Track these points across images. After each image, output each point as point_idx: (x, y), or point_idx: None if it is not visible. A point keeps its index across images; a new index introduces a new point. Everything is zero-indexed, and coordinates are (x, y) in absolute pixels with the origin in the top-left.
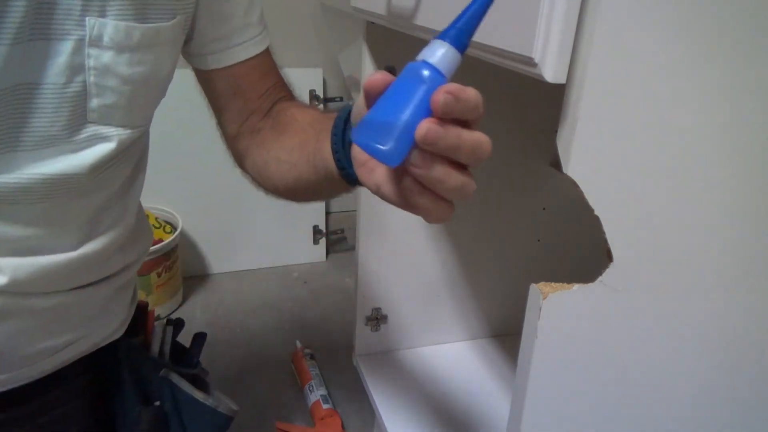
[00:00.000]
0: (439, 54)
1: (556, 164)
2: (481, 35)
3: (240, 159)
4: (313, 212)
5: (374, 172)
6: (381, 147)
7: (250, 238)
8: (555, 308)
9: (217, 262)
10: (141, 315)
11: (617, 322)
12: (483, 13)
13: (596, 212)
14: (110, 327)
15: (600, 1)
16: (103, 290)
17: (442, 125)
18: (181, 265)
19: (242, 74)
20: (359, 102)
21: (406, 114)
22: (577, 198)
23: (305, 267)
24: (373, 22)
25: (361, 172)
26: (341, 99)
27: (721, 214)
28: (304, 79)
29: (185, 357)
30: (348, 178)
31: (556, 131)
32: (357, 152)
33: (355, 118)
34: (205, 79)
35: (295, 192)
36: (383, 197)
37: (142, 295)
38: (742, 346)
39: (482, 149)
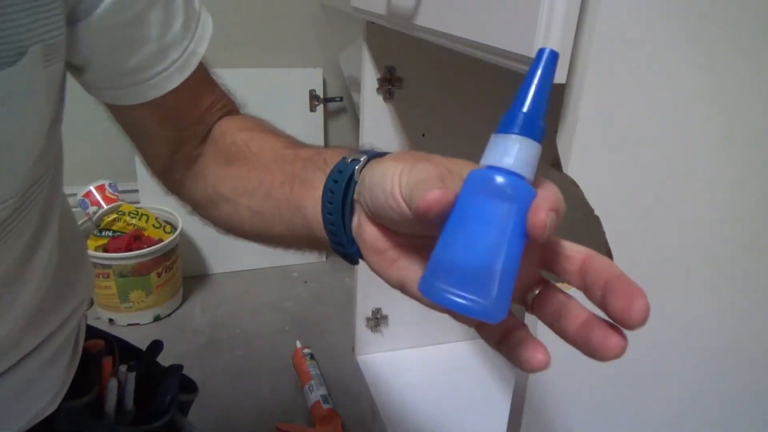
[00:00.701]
0: (514, 152)
1: (556, 164)
2: (481, 35)
3: (173, 190)
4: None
5: (397, 264)
6: (479, 301)
7: None
8: None
9: (217, 262)
10: (91, 364)
11: None
12: (550, 79)
13: (596, 212)
14: (38, 405)
15: (600, 1)
16: (21, 373)
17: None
18: (181, 265)
19: (168, 105)
20: (387, 184)
21: (501, 251)
22: (577, 198)
23: (305, 267)
24: (373, 22)
25: (376, 261)
26: (341, 99)
27: (721, 213)
28: (304, 79)
29: (155, 401)
30: (346, 256)
31: (556, 131)
32: (371, 235)
33: (368, 191)
34: (119, 113)
35: (259, 241)
36: (413, 297)
37: (141, 296)
38: (742, 346)
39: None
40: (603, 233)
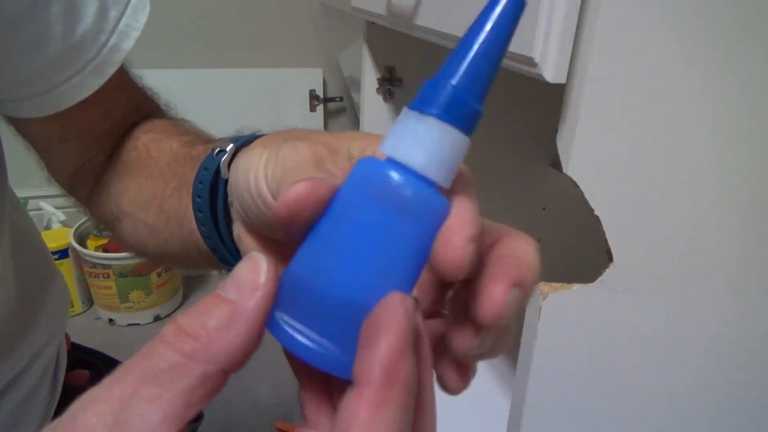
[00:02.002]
0: (429, 145)
1: (556, 164)
2: None
3: (82, 205)
4: None
5: None
6: (329, 348)
7: None
8: (555, 308)
9: None
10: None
11: (617, 322)
12: (505, 39)
13: (596, 212)
14: None
15: (600, 1)
16: None
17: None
18: None
19: (74, 118)
20: (251, 180)
21: (380, 285)
22: (577, 198)
23: None
24: (373, 22)
25: None
26: (341, 99)
27: (721, 213)
28: (304, 79)
29: None
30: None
31: (556, 131)
32: (250, 248)
33: (235, 191)
34: (19, 126)
35: (163, 262)
36: None
37: (141, 296)
38: (742, 347)
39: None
40: (603, 233)
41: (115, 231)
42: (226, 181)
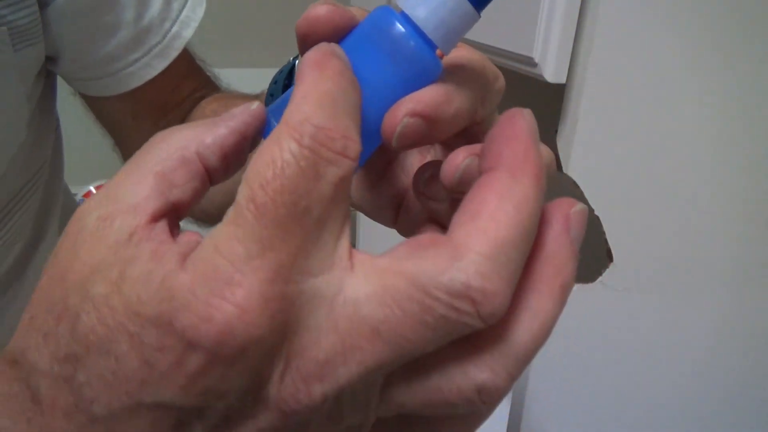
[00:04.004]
0: (435, 5)
1: (556, 164)
2: (481, 35)
3: None
4: None
5: None
6: None
7: None
8: None
9: None
10: None
11: (617, 322)
12: None
13: (596, 212)
14: None
15: (600, 1)
16: None
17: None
18: None
19: (145, 95)
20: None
21: (369, 113)
22: (577, 198)
23: None
24: None
25: None
26: None
27: (721, 213)
28: None
29: None
30: None
31: (556, 131)
32: None
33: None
34: (93, 105)
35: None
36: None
37: None
38: (741, 346)
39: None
40: (603, 233)
41: None
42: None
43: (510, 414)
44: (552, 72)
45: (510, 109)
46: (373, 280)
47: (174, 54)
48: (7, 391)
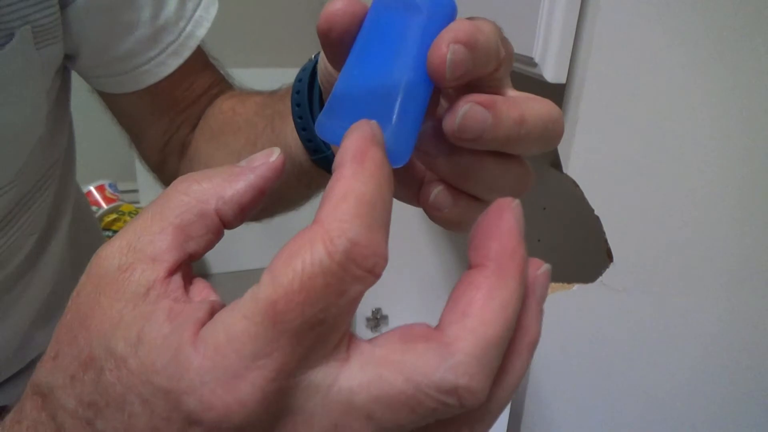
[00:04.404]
0: None
1: (556, 164)
2: None
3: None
4: (314, 212)
5: None
6: None
7: (251, 238)
8: (555, 308)
9: (217, 262)
10: None
11: (617, 322)
12: None
13: (596, 212)
14: None
15: (600, 1)
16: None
17: (491, 110)
18: None
19: (161, 92)
20: (322, 54)
21: (401, 76)
22: (577, 198)
23: None
24: None
25: None
26: None
27: (721, 213)
28: None
29: None
30: (326, 163)
31: None
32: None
33: (323, 81)
34: (111, 102)
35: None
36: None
37: None
38: (741, 346)
39: (553, 132)
40: (603, 233)
41: None
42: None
43: (510, 414)
44: (552, 72)
45: (499, 199)
46: (369, 370)
47: (188, 52)
48: (36, 418)
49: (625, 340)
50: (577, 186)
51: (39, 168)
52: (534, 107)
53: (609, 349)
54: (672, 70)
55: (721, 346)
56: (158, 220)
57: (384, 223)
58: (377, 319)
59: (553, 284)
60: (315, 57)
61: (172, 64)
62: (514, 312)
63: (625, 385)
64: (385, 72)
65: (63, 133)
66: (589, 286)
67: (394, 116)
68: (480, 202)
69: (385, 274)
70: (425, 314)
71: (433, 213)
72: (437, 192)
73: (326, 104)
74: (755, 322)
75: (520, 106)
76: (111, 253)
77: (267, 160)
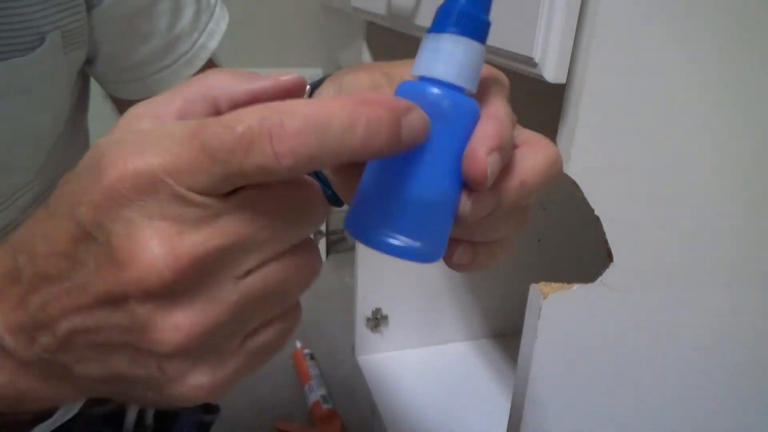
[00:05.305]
0: (446, 57)
1: None
2: None
3: None
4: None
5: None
6: (411, 244)
7: None
8: (555, 308)
9: None
10: None
11: (617, 322)
12: None
13: (596, 212)
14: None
15: (600, 1)
16: None
17: (493, 190)
18: None
19: None
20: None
21: (434, 182)
22: (577, 198)
23: None
24: (373, 22)
25: (345, 195)
26: None
27: (721, 213)
28: None
29: (176, 422)
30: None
31: (556, 131)
32: (332, 170)
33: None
34: (124, 107)
35: None
36: None
37: None
38: (743, 346)
39: (553, 176)
40: (603, 233)
41: None
42: None
43: (510, 414)
44: (552, 72)
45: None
46: None
47: (200, 63)
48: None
49: (625, 340)
50: (577, 186)
51: (58, 168)
52: (532, 165)
53: (609, 349)
54: (672, 69)
55: (722, 346)
56: (175, 91)
57: (321, 142)
58: (377, 319)
59: (553, 284)
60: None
61: (185, 73)
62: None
63: (625, 385)
64: (419, 178)
65: (80, 135)
66: (589, 286)
67: (432, 223)
68: (494, 243)
69: (385, 274)
70: (425, 314)
71: (458, 268)
72: (459, 252)
73: (355, 203)
74: (755, 321)
75: (518, 171)
76: (136, 107)
77: (277, 77)
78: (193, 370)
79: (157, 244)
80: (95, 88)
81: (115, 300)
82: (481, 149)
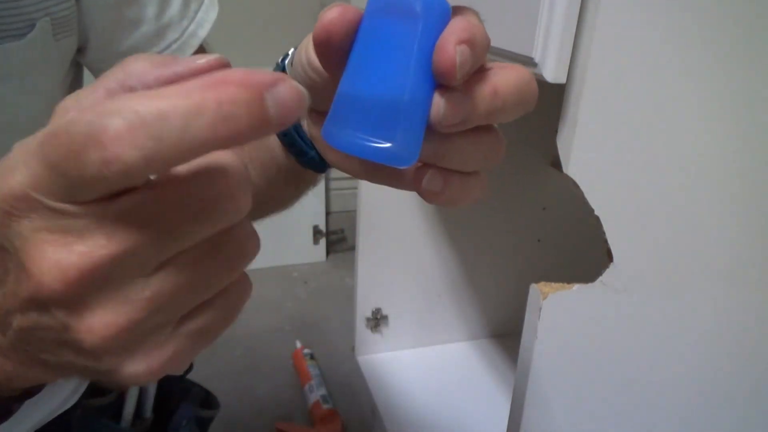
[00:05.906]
0: None
1: (556, 164)
2: None
3: None
4: (313, 212)
5: None
6: (383, 145)
7: None
8: (555, 308)
9: None
10: None
11: (617, 322)
12: None
13: (596, 212)
14: (57, 399)
15: (600, 1)
16: None
17: (466, 93)
18: None
19: None
20: (302, 55)
21: (405, 82)
22: (577, 198)
23: (305, 267)
24: None
25: (332, 157)
26: None
27: (721, 213)
28: None
29: (174, 415)
30: (312, 164)
31: (556, 131)
32: (318, 128)
33: (302, 83)
34: None
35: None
36: (376, 181)
37: None
38: (743, 346)
39: (527, 95)
40: (603, 233)
41: None
42: None
43: (510, 414)
44: (552, 72)
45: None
46: None
47: (190, 51)
48: None
49: (625, 340)
50: (577, 186)
51: None
52: (504, 76)
53: (609, 349)
54: (672, 69)
55: (722, 346)
56: (98, 81)
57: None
58: (377, 319)
59: (553, 284)
60: (281, 62)
61: None
62: None
63: (625, 385)
64: (389, 78)
65: None
66: (589, 286)
67: (403, 122)
68: (468, 175)
69: (385, 274)
70: (425, 314)
71: (429, 197)
72: (429, 177)
73: (330, 112)
74: (755, 321)
75: (491, 80)
76: (65, 101)
77: (193, 61)
78: (127, 361)
79: (43, 258)
80: (88, 78)
81: (38, 304)
82: (450, 40)
